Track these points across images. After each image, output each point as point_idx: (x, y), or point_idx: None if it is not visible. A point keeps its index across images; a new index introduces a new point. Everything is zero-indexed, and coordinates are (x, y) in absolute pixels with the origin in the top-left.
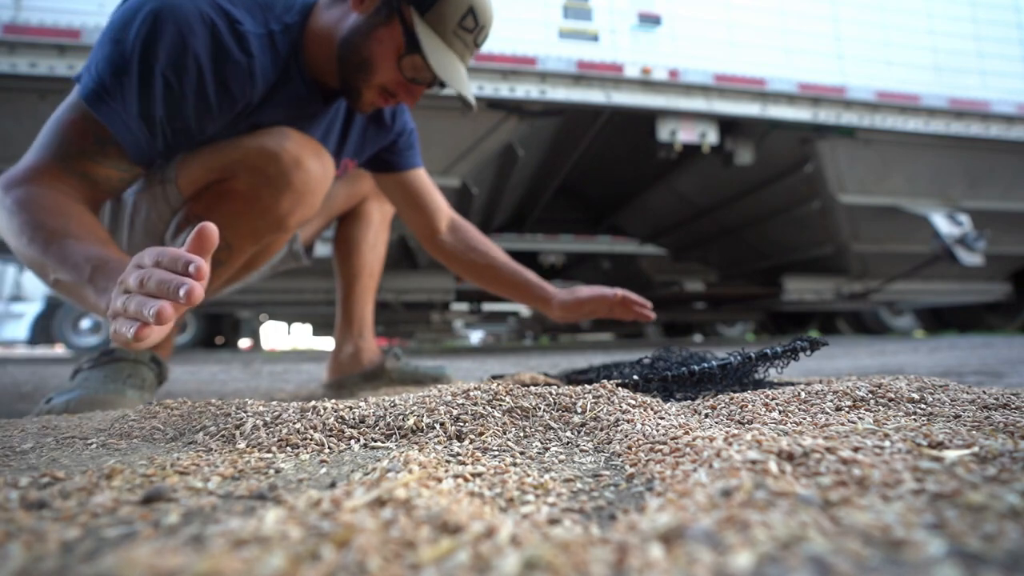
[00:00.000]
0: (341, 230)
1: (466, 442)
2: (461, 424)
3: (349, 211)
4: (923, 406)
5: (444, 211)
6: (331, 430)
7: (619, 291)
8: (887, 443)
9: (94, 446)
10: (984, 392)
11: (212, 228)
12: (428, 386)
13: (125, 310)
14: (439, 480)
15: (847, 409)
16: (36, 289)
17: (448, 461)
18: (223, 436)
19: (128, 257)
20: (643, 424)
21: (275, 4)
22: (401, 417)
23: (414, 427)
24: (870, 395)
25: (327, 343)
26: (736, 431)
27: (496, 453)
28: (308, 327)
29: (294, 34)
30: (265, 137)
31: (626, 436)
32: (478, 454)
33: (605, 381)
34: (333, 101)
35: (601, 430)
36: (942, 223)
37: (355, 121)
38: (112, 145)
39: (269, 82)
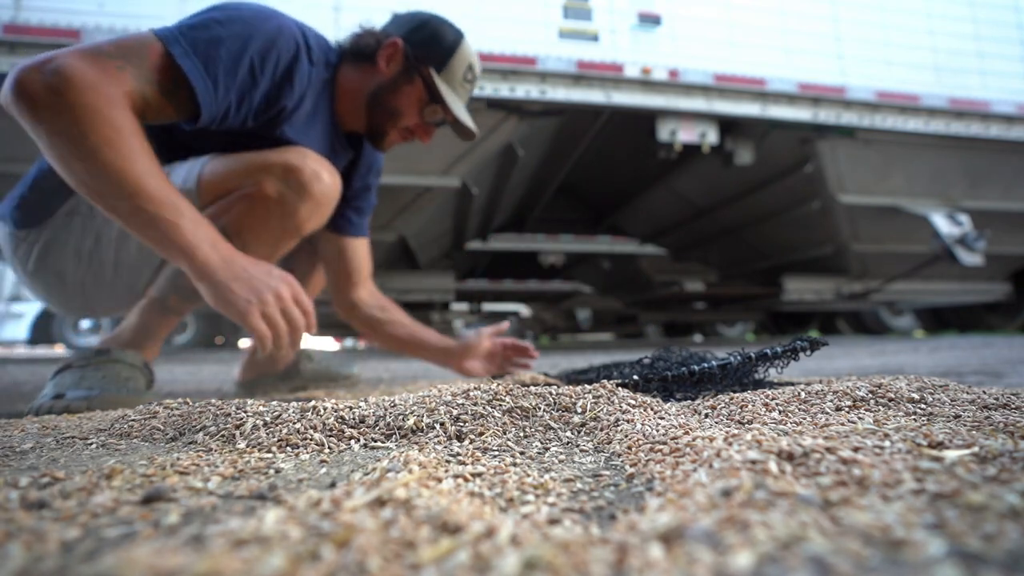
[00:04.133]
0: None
1: (466, 442)
2: (461, 424)
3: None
4: (923, 406)
5: (367, 278)
6: (331, 430)
7: (506, 340)
8: (887, 443)
9: (94, 446)
10: (984, 392)
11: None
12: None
13: (273, 323)
14: (439, 480)
15: (847, 409)
16: None
17: (448, 461)
18: (223, 436)
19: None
20: (643, 424)
21: (324, 42)
22: (401, 417)
23: (414, 427)
24: (870, 395)
25: (327, 343)
26: (736, 431)
27: (496, 453)
28: None
29: (330, 73)
30: (288, 153)
31: (626, 436)
32: (478, 454)
33: (605, 381)
34: (353, 144)
35: (601, 430)
36: (942, 223)
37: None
38: (183, 90)
39: (310, 98)
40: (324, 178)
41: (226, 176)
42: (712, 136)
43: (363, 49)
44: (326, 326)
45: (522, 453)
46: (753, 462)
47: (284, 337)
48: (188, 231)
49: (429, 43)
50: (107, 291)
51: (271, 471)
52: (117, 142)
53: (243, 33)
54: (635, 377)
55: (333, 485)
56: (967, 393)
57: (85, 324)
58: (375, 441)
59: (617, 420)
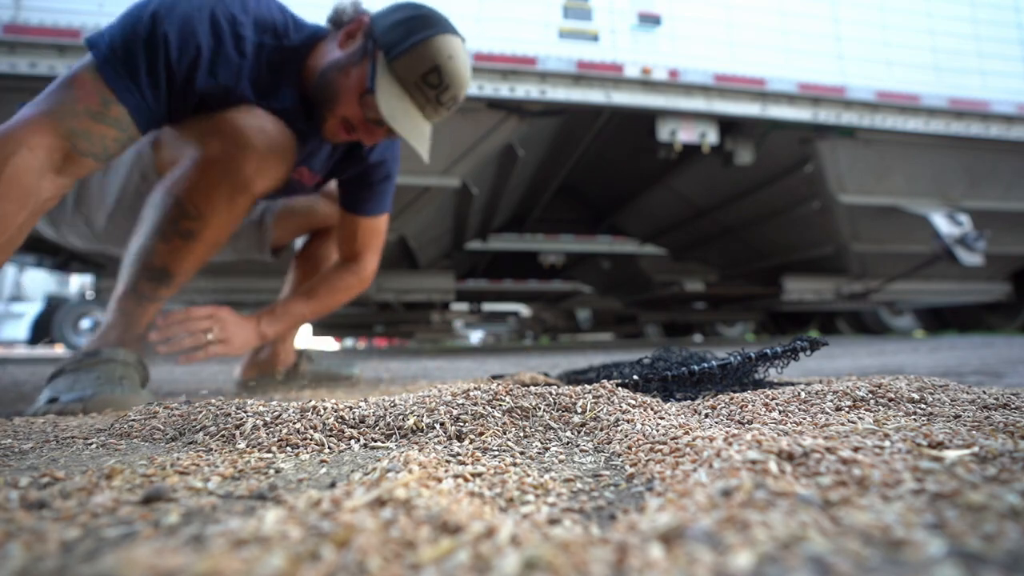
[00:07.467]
0: (311, 244)
1: (466, 442)
2: (461, 424)
3: (325, 230)
4: (923, 406)
5: (357, 254)
6: (331, 430)
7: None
8: (887, 443)
9: (94, 446)
10: (984, 392)
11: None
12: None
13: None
14: (439, 480)
15: (847, 409)
16: (36, 289)
17: (448, 461)
18: (223, 436)
19: None
20: (643, 424)
21: (278, 24)
22: (401, 417)
23: (414, 427)
24: (870, 395)
25: (327, 343)
26: (736, 431)
27: (496, 453)
28: (308, 327)
29: (289, 54)
30: (232, 111)
31: (626, 436)
32: (478, 454)
33: (605, 381)
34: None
35: (601, 430)
36: (942, 223)
37: (327, 143)
38: (116, 106)
39: (254, 83)
40: (268, 129)
41: (175, 146)
42: (712, 136)
43: (336, 23)
44: (326, 326)
45: (522, 453)
46: (753, 462)
47: None
48: None
49: (394, 27)
50: (69, 223)
51: (271, 471)
52: None
53: (157, 34)
54: (635, 377)
55: (333, 485)
56: (967, 393)
57: (86, 324)
58: (375, 441)
59: (617, 420)
